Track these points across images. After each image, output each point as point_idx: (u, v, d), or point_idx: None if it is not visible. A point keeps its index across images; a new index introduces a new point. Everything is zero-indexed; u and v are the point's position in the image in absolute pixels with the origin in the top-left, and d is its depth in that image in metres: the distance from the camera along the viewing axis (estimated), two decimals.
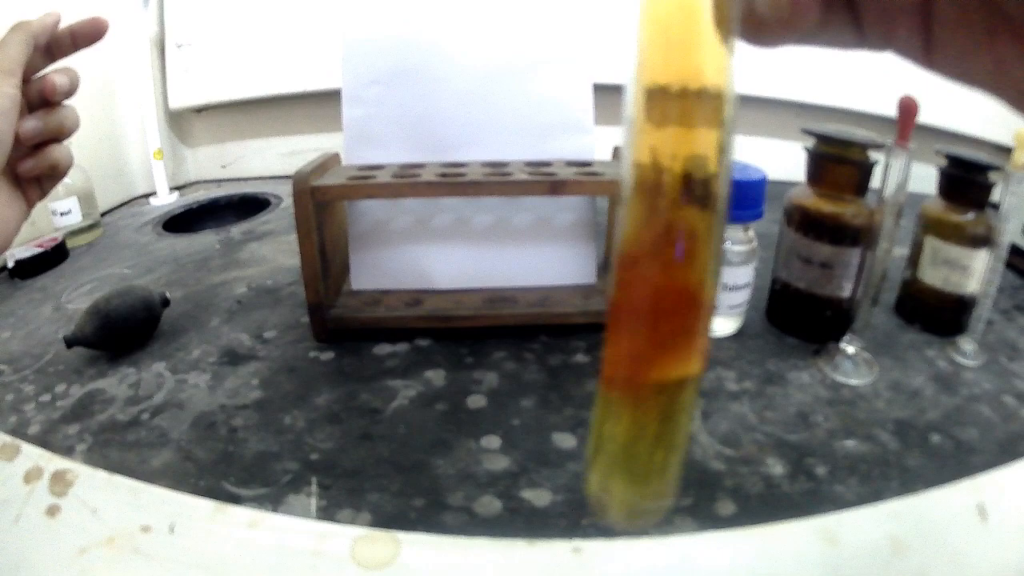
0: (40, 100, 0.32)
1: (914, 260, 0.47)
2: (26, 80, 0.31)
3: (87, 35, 0.33)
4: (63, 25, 0.33)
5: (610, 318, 0.14)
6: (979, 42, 0.12)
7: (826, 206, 0.42)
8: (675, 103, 0.13)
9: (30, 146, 0.32)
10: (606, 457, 0.14)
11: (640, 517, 0.14)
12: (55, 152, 0.33)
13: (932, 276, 0.46)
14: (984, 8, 0.12)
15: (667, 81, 0.13)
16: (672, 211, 0.14)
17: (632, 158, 0.14)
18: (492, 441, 0.36)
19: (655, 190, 0.13)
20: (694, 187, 0.13)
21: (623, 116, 0.14)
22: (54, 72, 0.32)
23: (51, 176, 0.34)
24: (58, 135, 0.33)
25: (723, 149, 0.14)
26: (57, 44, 0.33)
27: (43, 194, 0.35)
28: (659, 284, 0.14)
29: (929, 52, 0.13)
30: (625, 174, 0.14)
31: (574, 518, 0.30)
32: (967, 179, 0.43)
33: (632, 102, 0.14)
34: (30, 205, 0.34)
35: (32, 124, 0.31)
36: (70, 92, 0.33)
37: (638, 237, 0.14)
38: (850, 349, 0.42)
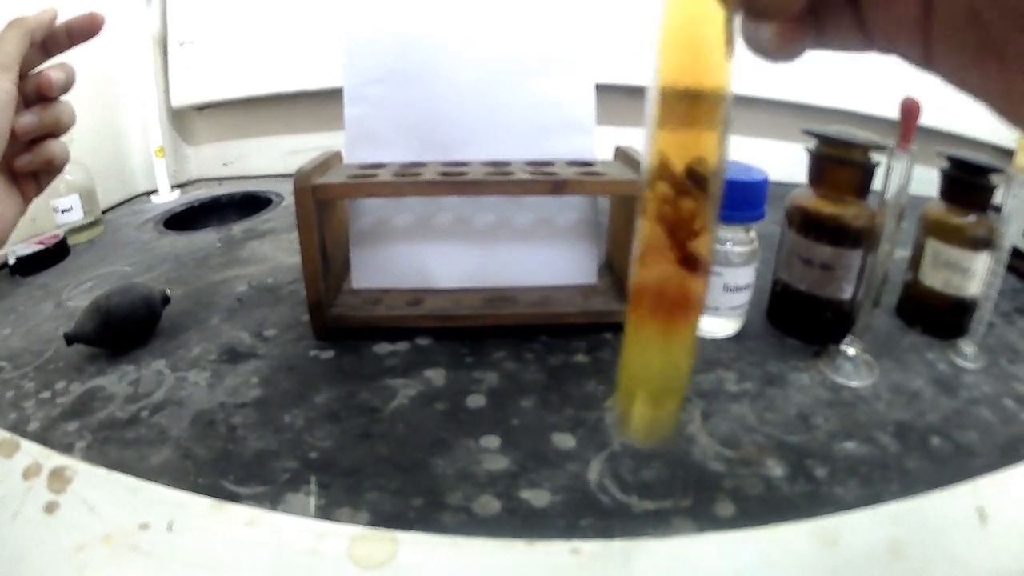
0: (36, 96, 0.32)
1: (915, 262, 0.47)
2: (22, 76, 0.31)
3: (83, 31, 0.33)
4: (59, 21, 0.33)
5: (636, 286, 0.18)
6: (969, 60, 0.14)
7: (827, 208, 0.42)
8: (686, 105, 0.16)
9: (26, 141, 0.32)
10: (634, 380, 0.18)
11: (654, 430, 0.18)
12: (51, 147, 0.33)
13: (933, 278, 0.46)
14: (974, 33, 0.14)
15: (681, 84, 0.16)
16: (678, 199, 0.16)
17: (648, 154, 0.16)
18: (491, 441, 0.36)
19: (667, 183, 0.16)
20: (697, 178, 0.16)
21: (645, 117, 0.16)
22: (50, 68, 0.32)
23: (47, 171, 0.34)
24: (54, 130, 0.33)
25: (722, 145, 0.16)
26: (53, 40, 0.33)
27: (40, 190, 0.35)
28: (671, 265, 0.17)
29: (928, 62, 0.15)
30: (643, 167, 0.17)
31: (573, 518, 0.30)
32: (969, 181, 0.43)
33: (650, 104, 0.16)
34: (27, 201, 0.34)
35: (28, 119, 0.32)
36: (66, 87, 0.33)
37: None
38: (850, 351, 0.41)
